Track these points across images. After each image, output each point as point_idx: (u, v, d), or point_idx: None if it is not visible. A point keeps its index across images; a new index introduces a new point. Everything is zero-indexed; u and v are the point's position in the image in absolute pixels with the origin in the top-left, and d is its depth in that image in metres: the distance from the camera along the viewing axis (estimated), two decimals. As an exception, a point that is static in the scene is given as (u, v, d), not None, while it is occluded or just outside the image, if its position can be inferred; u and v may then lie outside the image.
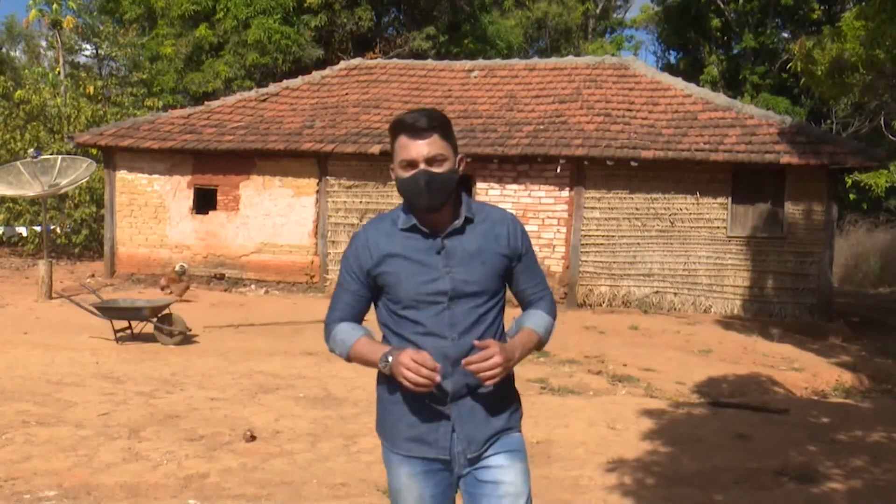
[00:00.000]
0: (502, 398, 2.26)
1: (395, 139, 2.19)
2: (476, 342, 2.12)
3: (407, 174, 2.17)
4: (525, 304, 2.38)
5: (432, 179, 2.15)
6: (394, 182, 2.24)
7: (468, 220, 2.24)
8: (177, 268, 13.21)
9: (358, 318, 2.30)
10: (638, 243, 12.72)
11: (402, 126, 2.17)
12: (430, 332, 2.17)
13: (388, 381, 2.21)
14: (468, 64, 16.45)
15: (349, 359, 2.25)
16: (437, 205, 2.17)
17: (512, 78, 15.51)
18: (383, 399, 2.29)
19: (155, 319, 8.82)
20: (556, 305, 2.39)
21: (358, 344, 2.23)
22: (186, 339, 8.92)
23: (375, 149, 13.12)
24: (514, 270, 2.31)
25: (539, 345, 2.29)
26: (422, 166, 2.15)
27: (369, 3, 23.38)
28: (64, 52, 26.07)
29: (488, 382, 2.09)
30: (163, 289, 12.72)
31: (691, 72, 25.21)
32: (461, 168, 2.24)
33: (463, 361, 2.09)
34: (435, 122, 2.16)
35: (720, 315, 12.31)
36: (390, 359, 2.11)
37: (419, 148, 2.15)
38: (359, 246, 2.27)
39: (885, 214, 22.56)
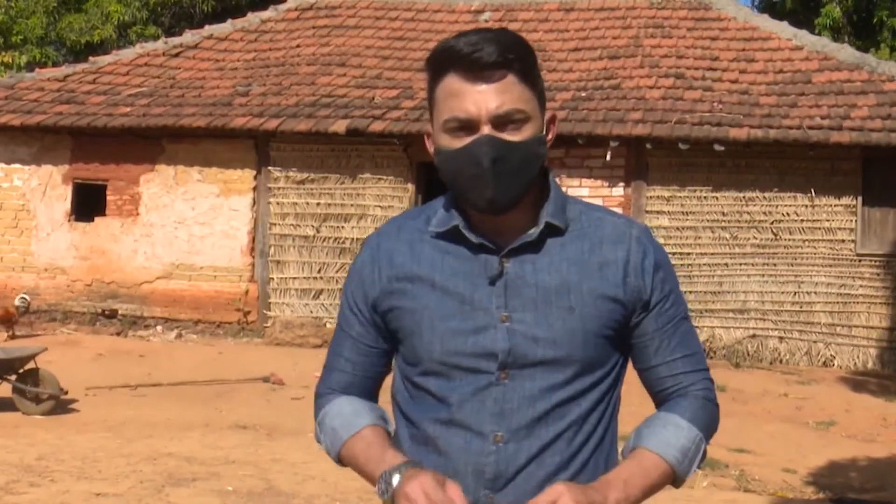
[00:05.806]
0: None
1: (436, 80, 1.84)
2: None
3: (457, 143, 1.81)
4: (658, 398, 1.97)
5: (504, 154, 1.79)
6: (433, 158, 1.89)
7: (552, 230, 1.88)
8: (17, 301, 13.29)
9: (367, 386, 2.01)
10: (726, 264, 12.75)
11: (452, 57, 1.80)
12: (458, 423, 1.83)
13: None
14: (476, 2, 16.56)
15: (340, 461, 1.95)
16: (510, 200, 1.82)
17: (540, 23, 15.58)
18: None
19: (14, 377, 8.80)
20: (716, 405, 1.97)
21: (356, 440, 1.90)
22: (60, 405, 8.89)
23: (340, 126, 13.17)
24: (637, 331, 1.92)
25: (670, 480, 1.87)
26: (485, 130, 1.79)
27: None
28: None
29: None
30: None
31: (803, 13, 25.37)
32: (551, 135, 1.91)
33: None
34: (511, 53, 1.79)
35: (847, 370, 12.30)
36: (394, 482, 1.75)
37: (482, 97, 1.78)
38: (364, 260, 1.97)
39: None
